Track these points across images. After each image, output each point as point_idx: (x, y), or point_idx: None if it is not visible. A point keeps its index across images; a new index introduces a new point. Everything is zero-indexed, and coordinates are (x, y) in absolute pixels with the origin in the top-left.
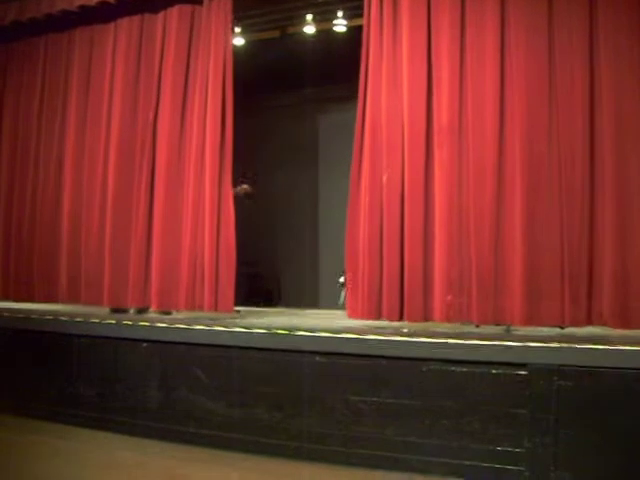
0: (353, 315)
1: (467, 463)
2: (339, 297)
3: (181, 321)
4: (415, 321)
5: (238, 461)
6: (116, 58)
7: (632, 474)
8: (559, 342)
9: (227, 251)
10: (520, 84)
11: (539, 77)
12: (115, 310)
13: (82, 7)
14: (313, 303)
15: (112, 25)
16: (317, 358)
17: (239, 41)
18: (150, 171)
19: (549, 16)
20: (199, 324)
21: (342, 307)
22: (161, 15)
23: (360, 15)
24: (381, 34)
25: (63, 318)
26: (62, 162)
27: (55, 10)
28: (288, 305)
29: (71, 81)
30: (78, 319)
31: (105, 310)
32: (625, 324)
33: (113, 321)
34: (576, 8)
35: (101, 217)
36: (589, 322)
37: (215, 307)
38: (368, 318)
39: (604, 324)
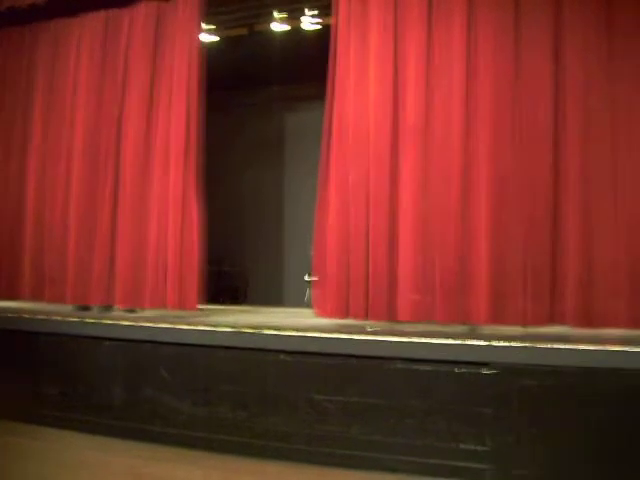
0: (321, 314)
1: (432, 461)
2: (305, 295)
3: (145, 319)
4: (381, 320)
5: (203, 459)
6: (81, 53)
7: (593, 470)
8: (522, 341)
9: (191, 249)
10: (487, 85)
11: (506, 77)
12: (79, 308)
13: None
14: (279, 301)
15: (77, 20)
16: (282, 357)
17: (207, 38)
18: (115, 168)
19: (516, 15)
20: (164, 322)
21: (308, 305)
22: (127, 10)
23: (329, 14)
24: (349, 34)
25: (26, 316)
26: (25, 158)
27: (18, 3)
28: (254, 303)
29: (35, 76)
30: (41, 317)
31: (69, 308)
32: (588, 324)
33: (76, 319)
34: (543, 6)
35: (64, 214)
36: (552, 321)
37: (179, 305)
38: (336, 317)
39: (567, 323)
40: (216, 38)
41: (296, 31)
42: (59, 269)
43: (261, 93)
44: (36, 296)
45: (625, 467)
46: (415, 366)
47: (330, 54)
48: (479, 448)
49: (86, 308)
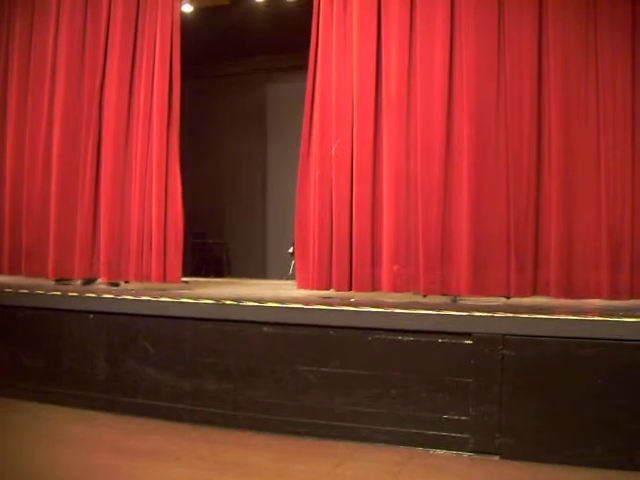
0: (303, 286)
1: (414, 431)
2: (289, 267)
3: (128, 292)
4: (363, 291)
5: (187, 432)
6: (60, 23)
7: (573, 439)
8: (504, 312)
9: (175, 222)
10: (469, 54)
11: (488, 48)
12: (61, 281)
13: None
14: (262, 274)
15: None
16: (265, 329)
17: (188, 8)
18: (97, 139)
19: None
20: (146, 295)
21: (292, 277)
22: None
23: None
24: (332, 3)
25: (8, 290)
26: (4, 129)
27: None
28: (237, 276)
29: (12, 41)
30: (23, 290)
31: (50, 282)
32: (569, 295)
33: (59, 293)
34: None
35: (45, 186)
36: (534, 292)
37: (163, 278)
38: (318, 289)
39: (549, 294)
40: (197, 7)
41: (278, 1)
42: (39, 243)
43: (243, 64)
44: (15, 270)
45: (606, 435)
46: (398, 337)
47: (313, 24)
48: (462, 418)
49: (68, 282)
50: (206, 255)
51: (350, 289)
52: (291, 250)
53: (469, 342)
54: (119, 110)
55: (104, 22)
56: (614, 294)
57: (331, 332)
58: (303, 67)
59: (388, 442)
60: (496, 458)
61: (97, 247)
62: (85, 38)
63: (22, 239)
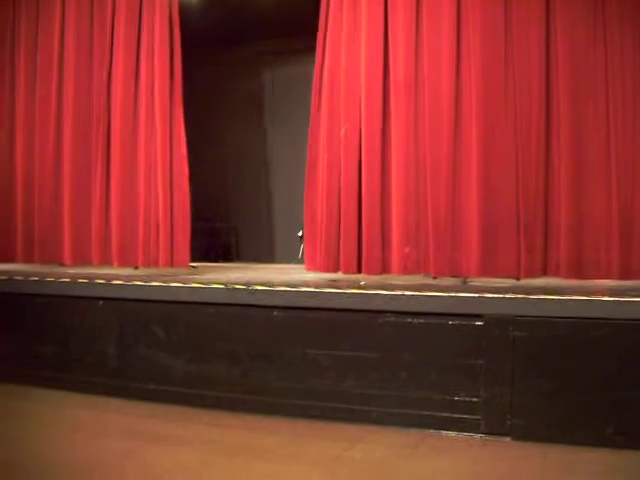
0: (312, 268)
1: (425, 413)
2: (299, 251)
3: (138, 278)
4: (373, 274)
5: (198, 416)
6: (66, 16)
7: (584, 420)
8: (514, 293)
9: (182, 206)
10: (476, 36)
11: (495, 29)
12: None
13: None
14: (270, 257)
15: None
16: (275, 312)
17: None
18: (106, 128)
19: None
20: (156, 280)
21: (301, 261)
22: None
23: None
24: None
25: (18, 277)
26: (14, 123)
27: None
28: (246, 260)
29: (18, 34)
30: (33, 278)
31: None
32: (579, 275)
33: (68, 279)
34: None
35: (56, 176)
36: (545, 273)
37: (170, 263)
38: (326, 271)
39: (559, 275)
40: None
41: None
42: (52, 231)
43: (249, 47)
44: (29, 258)
45: (617, 416)
46: (408, 319)
47: (321, 7)
48: (473, 399)
49: None
50: (214, 239)
51: (359, 272)
52: (300, 233)
53: (480, 324)
54: (125, 100)
55: (110, 12)
56: (625, 274)
57: (341, 315)
58: (311, 50)
59: (399, 424)
60: (507, 439)
61: (109, 233)
62: (93, 29)
63: (34, 228)
